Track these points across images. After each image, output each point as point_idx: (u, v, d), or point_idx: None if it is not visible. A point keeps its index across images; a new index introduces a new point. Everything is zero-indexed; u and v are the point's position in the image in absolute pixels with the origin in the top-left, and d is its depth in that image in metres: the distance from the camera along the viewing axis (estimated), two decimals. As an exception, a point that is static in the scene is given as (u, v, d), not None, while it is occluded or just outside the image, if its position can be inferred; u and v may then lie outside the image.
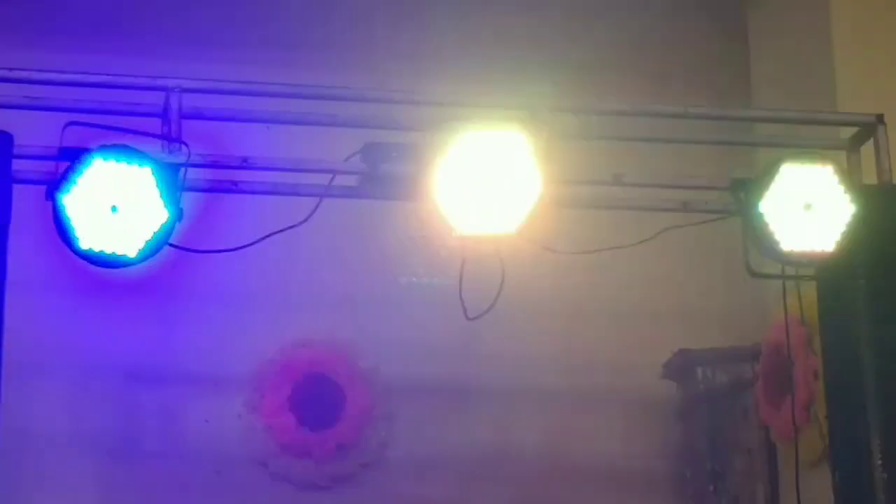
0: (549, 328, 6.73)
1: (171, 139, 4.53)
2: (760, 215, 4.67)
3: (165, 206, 4.38)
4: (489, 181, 4.50)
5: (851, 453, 4.70)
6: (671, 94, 6.11)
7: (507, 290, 4.81)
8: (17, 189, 4.45)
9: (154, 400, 6.50)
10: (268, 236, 4.75)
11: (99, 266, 4.41)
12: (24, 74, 4.58)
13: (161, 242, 4.41)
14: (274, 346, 6.63)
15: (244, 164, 4.70)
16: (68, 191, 4.33)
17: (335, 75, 5.93)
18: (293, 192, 4.80)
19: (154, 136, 4.54)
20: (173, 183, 4.43)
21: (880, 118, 4.89)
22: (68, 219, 4.33)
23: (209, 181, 4.74)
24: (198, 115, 4.64)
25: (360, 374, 6.65)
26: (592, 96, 5.32)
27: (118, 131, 4.44)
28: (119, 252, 4.37)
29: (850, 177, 4.76)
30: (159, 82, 4.62)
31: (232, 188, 4.81)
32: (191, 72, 4.73)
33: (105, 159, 4.36)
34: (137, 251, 4.38)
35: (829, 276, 4.84)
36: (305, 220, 4.68)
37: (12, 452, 4.63)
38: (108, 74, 4.66)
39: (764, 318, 5.88)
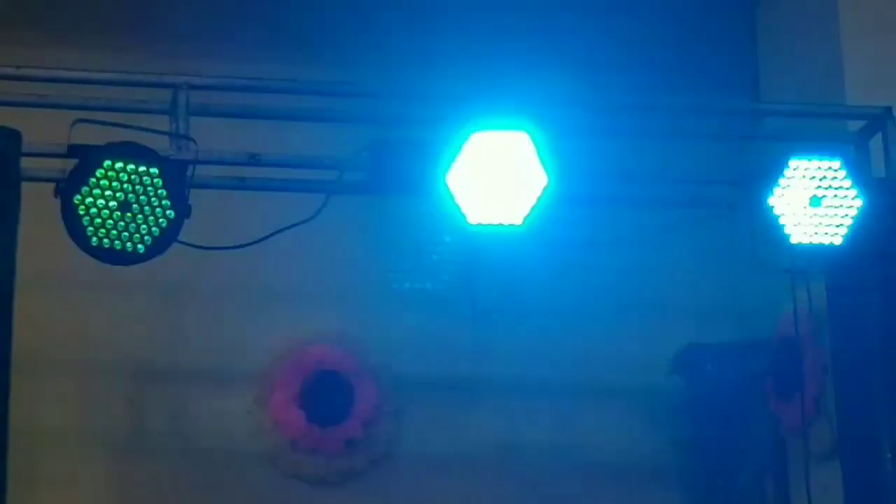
0: (557, 323, 6.71)
1: (179, 136, 4.54)
2: (769, 209, 4.67)
3: (174, 202, 4.39)
4: (497, 175, 4.50)
5: (861, 446, 4.70)
6: (679, 88, 6.10)
7: (515, 284, 4.81)
8: (26, 186, 4.46)
9: (163, 397, 6.50)
10: (277, 232, 4.75)
11: (108, 263, 4.42)
12: (31, 72, 4.60)
13: (170, 239, 4.41)
14: (283, 342, 6.61)
15: (252, 160, 4.71)
16: (77, 188, 4.34)
17: (343, 72, 5.95)
18: (301, 188, 4.80)
19: (162, 133, 4.54)
20: (181, 180, 4.43)
21: (888, 111, 4.88)
22: (77, 216, 4.34)
23: (217, 178, 4.75)
24: (205, 112, 4.65)
25: (370, 371, 6.65)
26: (600, 91, 5.32)
27: (126, 128, 4.44)
28: (128, 249, 4.38)
29: (859, 170, 4.75)
30: (167, 79, 4.62)
31: (240, 184, 4.82)
32: (198, 69, 4.73)
33: (113, 156, 4.36)
34: (146, 248, 4.39)
35: (838, 269, 4.84)
36: (314, 216, 4.68)
37: (22, 449, 4.62)
38: (115, 72, 4.68)
39: (773, 311, 5.87)
